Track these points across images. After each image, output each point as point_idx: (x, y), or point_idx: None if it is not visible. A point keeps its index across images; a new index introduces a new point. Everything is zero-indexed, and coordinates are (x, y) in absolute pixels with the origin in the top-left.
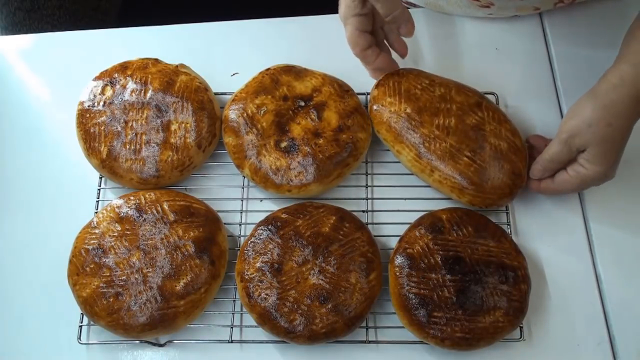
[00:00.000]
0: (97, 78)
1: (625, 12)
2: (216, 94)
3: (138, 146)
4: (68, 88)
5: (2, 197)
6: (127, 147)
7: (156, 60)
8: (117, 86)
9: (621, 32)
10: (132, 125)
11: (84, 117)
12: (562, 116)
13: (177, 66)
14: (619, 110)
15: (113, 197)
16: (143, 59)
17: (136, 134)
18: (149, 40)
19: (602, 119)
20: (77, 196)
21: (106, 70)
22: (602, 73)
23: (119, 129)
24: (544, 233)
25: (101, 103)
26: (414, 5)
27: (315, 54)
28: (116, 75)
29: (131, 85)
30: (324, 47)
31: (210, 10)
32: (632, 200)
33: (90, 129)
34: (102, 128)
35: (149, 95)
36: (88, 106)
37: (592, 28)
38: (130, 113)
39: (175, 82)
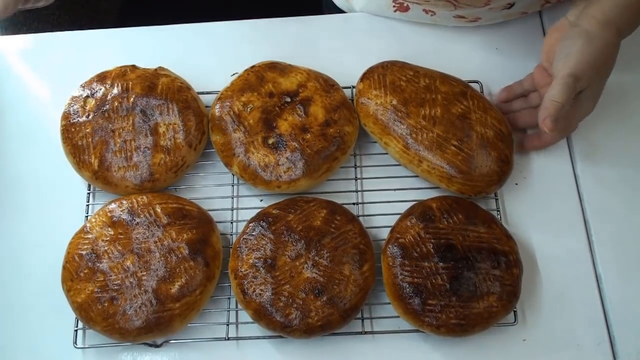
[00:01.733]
0: (77, 91)
1: None
2: (201, 93)
3: (129, 153)
4: (68, 88)
5: None
6: (118, 155)
7: (133, 66)
8: (99, 96)
9: None
10: (119, 133)
11: (69, 131)
12: None
13: (155, 69)
14: (610, 49)
15: (104, 201)
16: (120, 66)
17: (125, 141)
18: (148, 40)
19: (601, 60)
20: (69, 200)
21: (85, 82)
22: None
23: (107, 138)
24: (535, 218)
25: (84, 115)
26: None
27: (298, 51)
28: (95, 85)
29: (113, 93)
30: (307, 44)
31: (210, 10)
32: (633, 202)
33: (78, 142)
34: (90, 140)
35: (132, 101)
36: (72, 120)
37: None
38: (116, 121)
39: (157, 85)
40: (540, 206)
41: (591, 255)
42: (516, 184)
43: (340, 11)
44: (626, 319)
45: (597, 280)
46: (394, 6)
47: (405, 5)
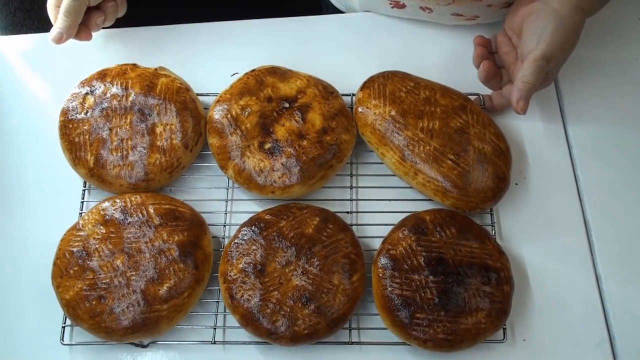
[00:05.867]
0: (76, 88)
1: (622, 12)
2: (200, 94)
3: (125, 152)
4: (68, 88)
5: None
6: (114, 153)
7: (134, 65)
8: (98, 94)
9: (616, 31)
10: (116, 132)
11: (67, 127)
12: (559, 103)
13: (156, 69)
14: (578, 30)
15: (99, 199)
16: (121, 64)
17: (122, 140)
18: (148, 40)
19: (569, 41)
20: (64, 196)
21: (85, 79)
22: (598, 69)
23: (104, 136)
24: (535, 216)
25: (83, 112)
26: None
27: (298, 52)
28: (95, 83)
29: (112, 91)
30: (307, 44)
31: (210, 10)
32: (633, 202)
33: (75, 139)
34: (87, 137)
35: (130, 100)
36: (70, 117)
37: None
38: (114, 119)
39: (156, 85)
40: (541, 206)
41: (591, 255)
42: (516, 184)
43: (338, 11)
44: (626, 319)
45: (597, 280)
46: (390, 3)
47: (401, 3)
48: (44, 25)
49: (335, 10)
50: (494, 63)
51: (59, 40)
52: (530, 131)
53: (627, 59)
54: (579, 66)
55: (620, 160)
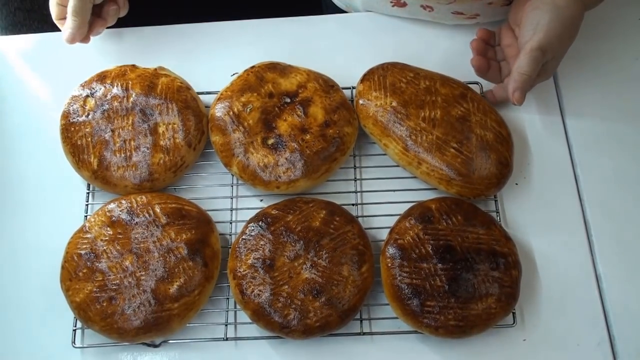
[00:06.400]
0: (77, 91)
1: (622, 11)
2: (201, 93)
3: (128, 153)
4: (68, 88)
5: None
6: (118, 155)
7: (133, 65)
8: (98, 96)
9: (616, 31)
10: (119, 133)
11: (69, 131)
12: (558, 99)
13: (155, 69)
14: (576, 21)
15: (103, 201)
16: (120, 66)
17: (125, 141)
18: (148, 40)
19: (567, 32)
20: (68, 200)
21: (85, 82)
22: (599, 67)
23: (107, 137)
24: (535, 219)
25: (84, 115)
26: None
27: (298, 51)
28: (95, 85)
29: (112, 93)
30: (307, 44)
31: (210, 10)
32: (633, 202)
33: (77, 142)
34: (89, 139)
35: (131, 100)
36: (72, 120)
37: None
38: (116, 121)
39: (157, 85)
40: (541, 206)
41: (591, 255)
42: (516, 184)
43: (340, 11)
44: (626, 319)
45: (597, 280)
46: (391, 1)
47: (402, 1)
48: (44, 25)
49: (336, 10)
50: (486, 59)
51: (72, 40)
52: (529, 129)
53: (627, 59)
54: (579, 63)
55: (621, 159)
